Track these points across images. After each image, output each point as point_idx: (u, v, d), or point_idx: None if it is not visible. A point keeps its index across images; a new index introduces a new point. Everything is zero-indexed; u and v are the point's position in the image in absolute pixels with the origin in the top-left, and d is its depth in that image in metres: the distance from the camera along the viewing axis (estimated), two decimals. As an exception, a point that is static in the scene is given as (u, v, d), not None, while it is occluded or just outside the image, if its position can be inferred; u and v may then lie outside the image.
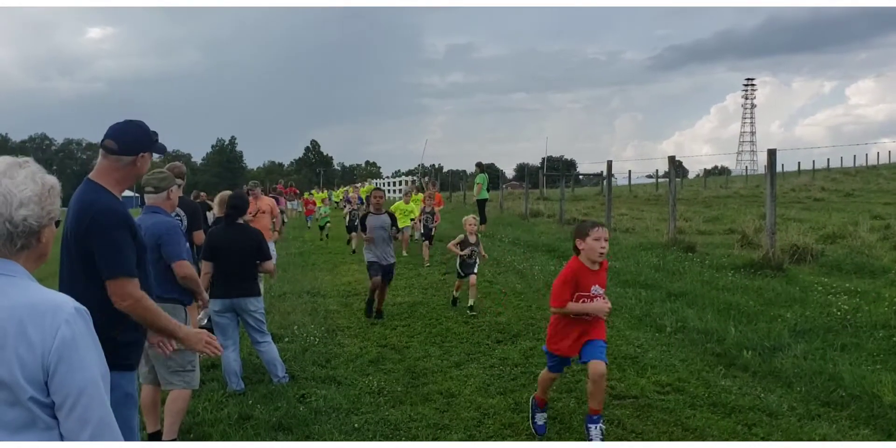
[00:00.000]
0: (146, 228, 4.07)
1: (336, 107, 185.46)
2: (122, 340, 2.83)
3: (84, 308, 1.66)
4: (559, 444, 4.31)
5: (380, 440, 4.49)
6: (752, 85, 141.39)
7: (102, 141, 2.87)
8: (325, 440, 4.49)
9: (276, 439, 4.50)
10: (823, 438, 4.27)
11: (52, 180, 1.75)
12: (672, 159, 12.24)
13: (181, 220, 6.30)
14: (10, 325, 1.56)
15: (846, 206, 21.09)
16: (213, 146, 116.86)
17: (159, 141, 3.02)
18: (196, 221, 6.63)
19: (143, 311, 2.78)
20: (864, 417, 4.59)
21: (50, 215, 1.71)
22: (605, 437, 4.22)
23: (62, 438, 1.58)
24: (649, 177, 47.86)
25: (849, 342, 6.03)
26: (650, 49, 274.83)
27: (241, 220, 5.70)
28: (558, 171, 53.79)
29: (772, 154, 9.86)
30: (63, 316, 1.59)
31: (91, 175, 2.89)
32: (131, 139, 2.89)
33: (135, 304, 2.75)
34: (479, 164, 19.28)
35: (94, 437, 1.57)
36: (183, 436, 4.61)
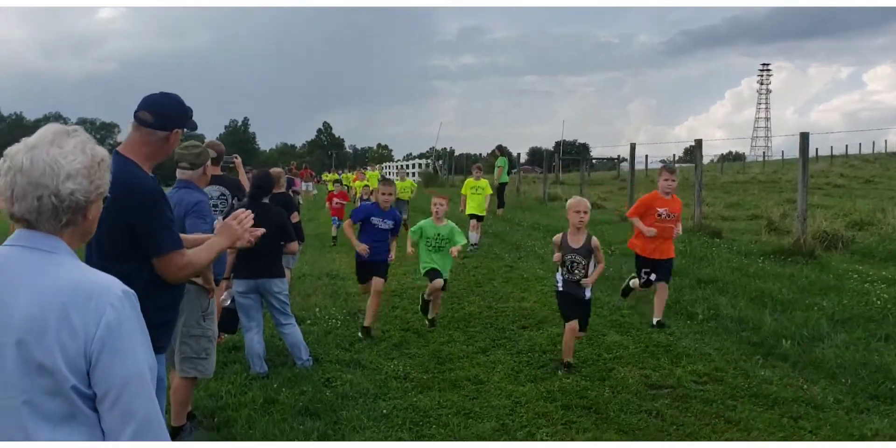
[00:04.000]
0: (175, 203, 3.92)
1: (348, 89, 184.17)
2: (156, 322, 2.70)
3: (132, 291, 1.49)
4: (561, 444, 4.13)
5: (409, 427, 4.35)
6: (768, 70, 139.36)
7: (136, 112, 2.69)
8: (353, 426, 4.35)
9: (303, 424, 4.37)
10: (876, 434, 4.09)
11: (103, 152, 1.58)
12: (699, 143, 11.97)
13: (226, 199, 6.06)
14: (51, 308, 1.40)
15: (868, 193, 20.75)
16: (226, 127, 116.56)
17: (192, 118, 2.86)
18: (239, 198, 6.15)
19: (199, 266, 2.76)
20: (916, 412, 4.40)
21: (99, 190, 1.54)
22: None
23: (103, 434, 1.43)
24: (662, 161, 47.25)
25: (892, 332, 5.82)
26: (663, 32, 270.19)
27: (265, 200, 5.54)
28: (575, 155, 53.28)
29: (804, 138, 9.58)
30: (109, 299, 1.43)
31: (120, 148, 2.72)
32: (167, 113, 2.72)
33: (191, 268, 2.70)
34: (499, 147, 19.05)
35: (137, 435, 1.42)
36: (207, 420, 4.50)
